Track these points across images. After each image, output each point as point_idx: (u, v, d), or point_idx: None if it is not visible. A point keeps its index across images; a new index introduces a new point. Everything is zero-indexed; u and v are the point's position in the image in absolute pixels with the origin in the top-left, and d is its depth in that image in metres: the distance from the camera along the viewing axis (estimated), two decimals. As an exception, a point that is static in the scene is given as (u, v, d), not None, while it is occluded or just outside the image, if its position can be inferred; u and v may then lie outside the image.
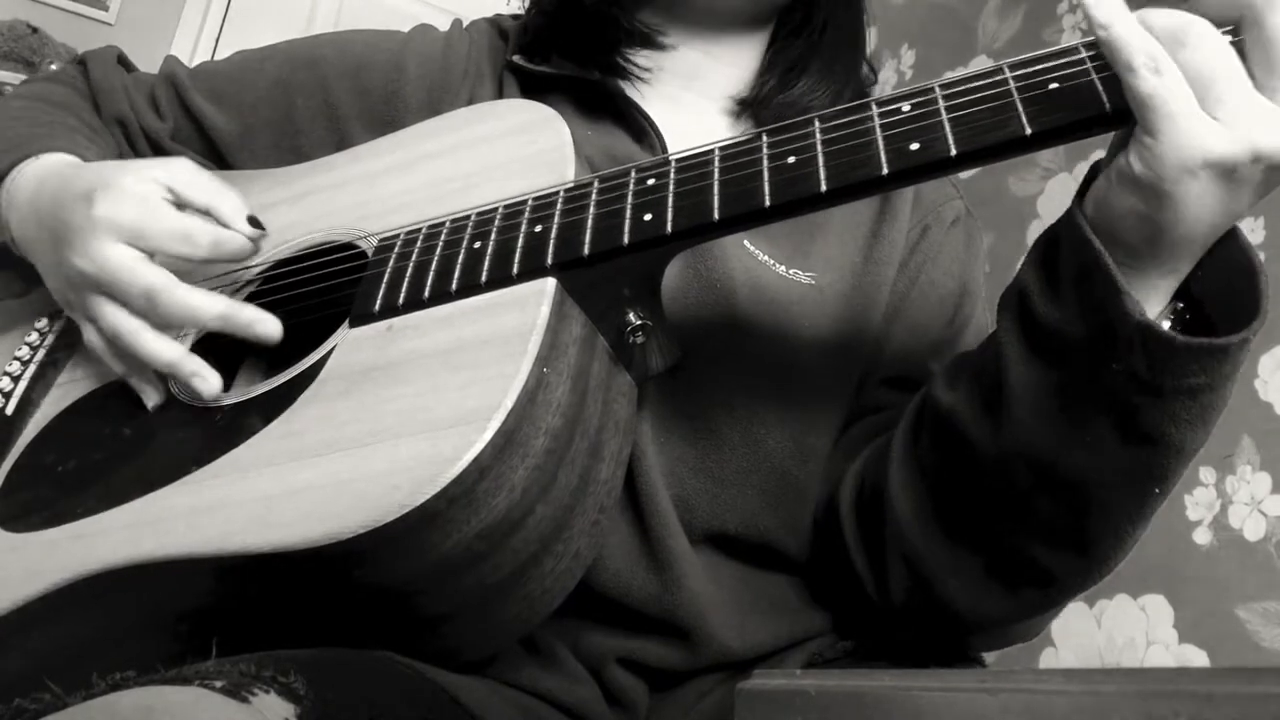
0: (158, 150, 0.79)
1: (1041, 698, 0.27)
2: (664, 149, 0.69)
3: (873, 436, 0.67)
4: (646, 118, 0.70)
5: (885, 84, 2.21)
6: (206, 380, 0.59)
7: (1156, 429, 0.46)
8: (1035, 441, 0.50)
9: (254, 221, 0.63)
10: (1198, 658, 1.26)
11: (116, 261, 0.59)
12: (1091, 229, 0.46)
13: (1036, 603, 0.56)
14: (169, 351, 0.59)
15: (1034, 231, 1.68)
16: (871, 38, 0.79)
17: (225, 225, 0.62)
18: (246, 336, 0.60)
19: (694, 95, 0.75)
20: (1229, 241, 0.46)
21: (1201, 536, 1.31)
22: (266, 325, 0.60)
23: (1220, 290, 0.46)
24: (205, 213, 0.63)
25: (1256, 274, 0.44)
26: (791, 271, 0.67)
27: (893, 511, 0.59)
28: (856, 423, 0.69)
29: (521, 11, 0.79)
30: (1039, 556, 0.53)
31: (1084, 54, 0.45)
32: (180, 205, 0.62)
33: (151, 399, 0.62)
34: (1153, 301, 0.47)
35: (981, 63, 1.97)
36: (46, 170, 0.67)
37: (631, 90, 0.73)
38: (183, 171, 0.63)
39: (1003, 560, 0.55)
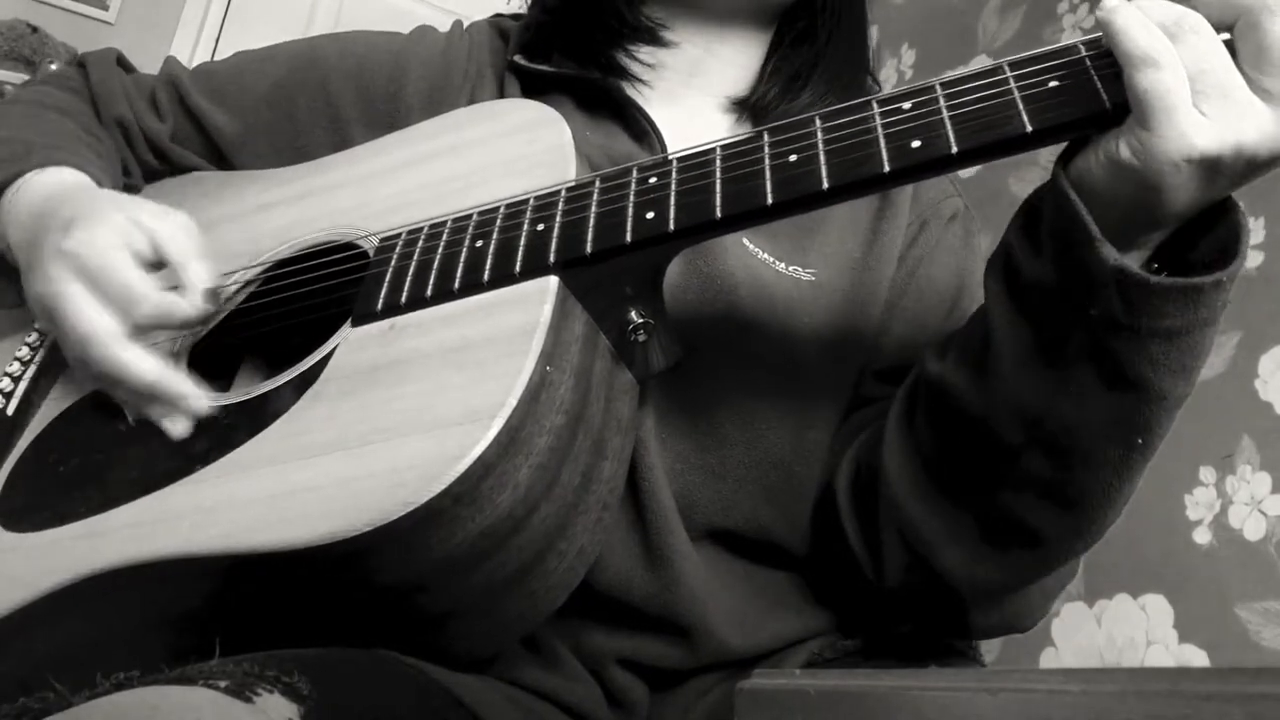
0: (158, 153, 0.79)
1: (1041, 697, 0.27)
2: (663, 149, 0.69)
3: (862, 425, 0.67)
4: (647, 118, 0.70)
5: (886, 83, 2.21)
6: (175, 425, 0.58)
7: (1135, 372, 0.47)
8: (1022, 395, 0.51)
9: (211, 296, 0.61)
10: (1198, 658, 1.26)
11: (66, 299, 0.58)
12: (1072, 188, 0.46)
13: (1029, 566, 0.57)
14: (148, 370, 0.58)
15: (1034, 231, 1.68)
16: (872, 37, 0.79)
17: (184, 290, 0.60)
18: (172, 408, 0.59)
19: (694, 92, 0.75)
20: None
21: (1201, 536, 1.31)
22: (194, 401, 0.58)
23: (1206, 245, 0.47)
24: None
25: (1238, 223, 0.45)
26: (791, 269, 0.67)
27: (887, 486, 0.59)
28: (851, 415, 0.69)
29: (522, 11, 0.79)
30: (1029, 514, 0.53)
31: (1084, 52, 0.45)
32: (159, 258, 0.61)
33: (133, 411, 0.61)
34: (1130, 256, 0.47)
35: (982, 62, 1.98)
36: (50, 187, 0.66)
37: (631, 90, 0.73)
38: (170, 225, 0.62)
39: (995, 521, 0.55)
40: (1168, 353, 0.46)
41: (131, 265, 0.59)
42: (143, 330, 0.59)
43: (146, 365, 0.58)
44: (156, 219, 0.62)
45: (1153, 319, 0.45)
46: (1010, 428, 0.52)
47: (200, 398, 0.58)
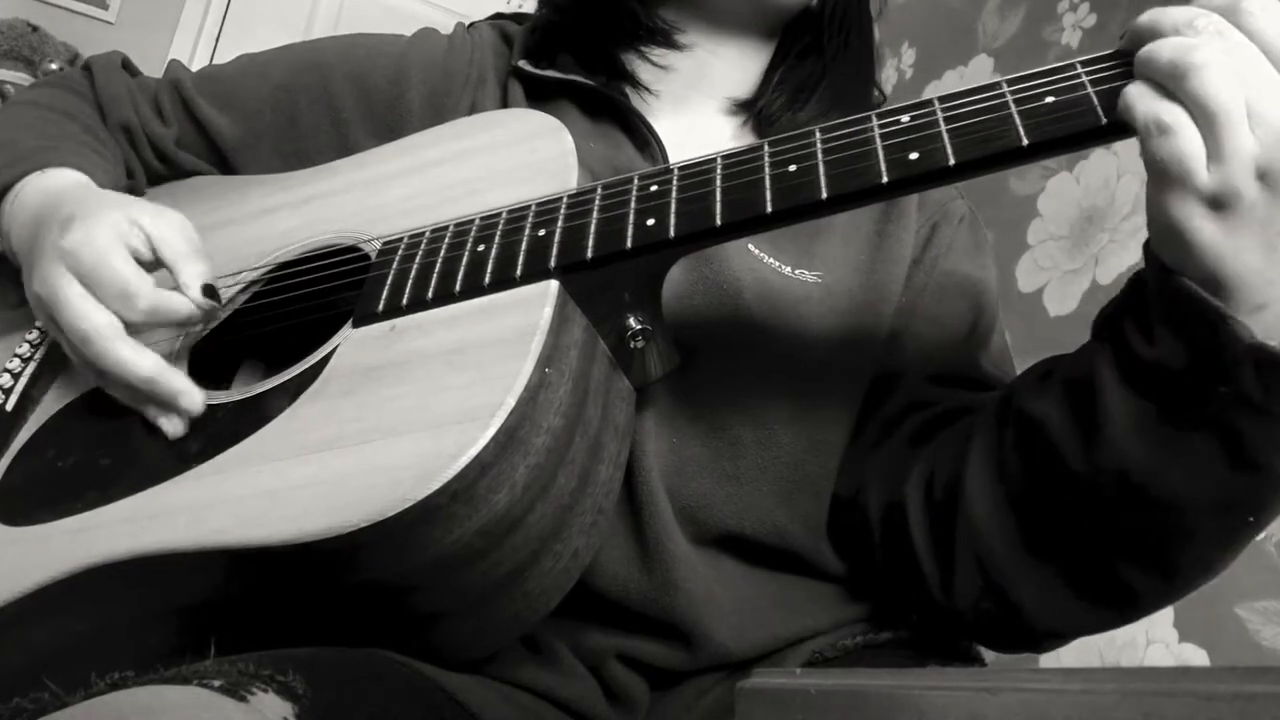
0: (163, 157, 0.79)
1: (1041, 697, 0.27)
2: (665, 159, 0.69)
3: (926, 431, 0.66)
4: (650, 129, 0.70)
5: (886, 82, 2.21)
6: (174, 418, 0.58)
7: (1261, 454, 0.45)
8: (1129, 461, 0.49)
9: (210, 292, 0.61)
10: (1198, 657, 1.26)
11: (64, 297, 0.58)
12: (1169, 265, 0.45)
13: (1110, 619, 0.56)
14: (146, 365, 0.58)
15: (1034, 230, 1.68)
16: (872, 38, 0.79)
17: (181, 289, 0.60)
18: (167, 405, 0.59)
19: (699, 96, 0.75)
20: None
21: (1201, 536, 1.31)
22: (189, 398, 0.58)
23: None
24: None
25: None
26: (797, 272, 0.67)
27: (969, 510, 0.58)
28: (905, 420, 0.68)
29: (523, 11, 0.79)
30: (1121, 572, 0.52)
31: (1080, 70, 0.46)
32: (156, 258, 0.61)
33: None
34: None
35: (982, 62, 1.97)
36: (51, 187, 0.67)
37: (636, 99, 0.73)
38: (167, 226, 0.62)
39: (1082, 572, 0.54)
40: None
41: (128, 262, 0.59)
42: (140, 328, 0.59)
43: (144, 361, 0.58)
44: (153, 218, 0.62)
45: None
46: (1109, 486, 0.50)
47: (195, 395, 0.58)
